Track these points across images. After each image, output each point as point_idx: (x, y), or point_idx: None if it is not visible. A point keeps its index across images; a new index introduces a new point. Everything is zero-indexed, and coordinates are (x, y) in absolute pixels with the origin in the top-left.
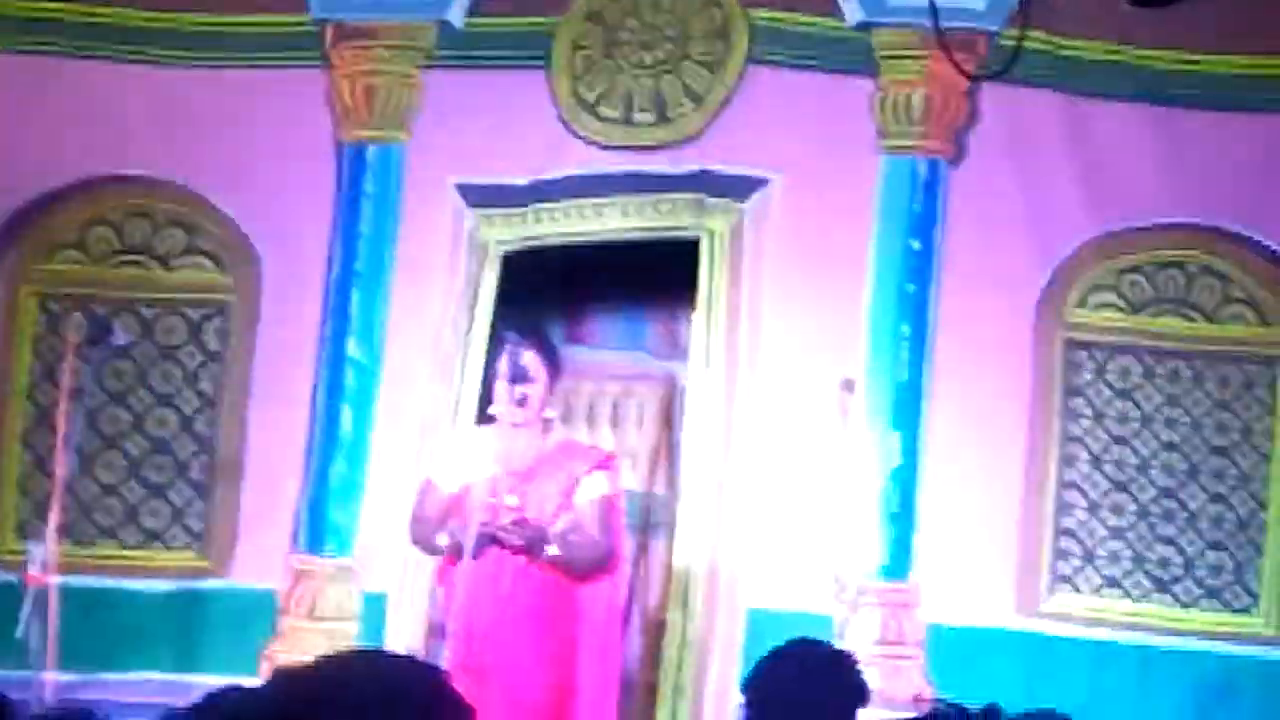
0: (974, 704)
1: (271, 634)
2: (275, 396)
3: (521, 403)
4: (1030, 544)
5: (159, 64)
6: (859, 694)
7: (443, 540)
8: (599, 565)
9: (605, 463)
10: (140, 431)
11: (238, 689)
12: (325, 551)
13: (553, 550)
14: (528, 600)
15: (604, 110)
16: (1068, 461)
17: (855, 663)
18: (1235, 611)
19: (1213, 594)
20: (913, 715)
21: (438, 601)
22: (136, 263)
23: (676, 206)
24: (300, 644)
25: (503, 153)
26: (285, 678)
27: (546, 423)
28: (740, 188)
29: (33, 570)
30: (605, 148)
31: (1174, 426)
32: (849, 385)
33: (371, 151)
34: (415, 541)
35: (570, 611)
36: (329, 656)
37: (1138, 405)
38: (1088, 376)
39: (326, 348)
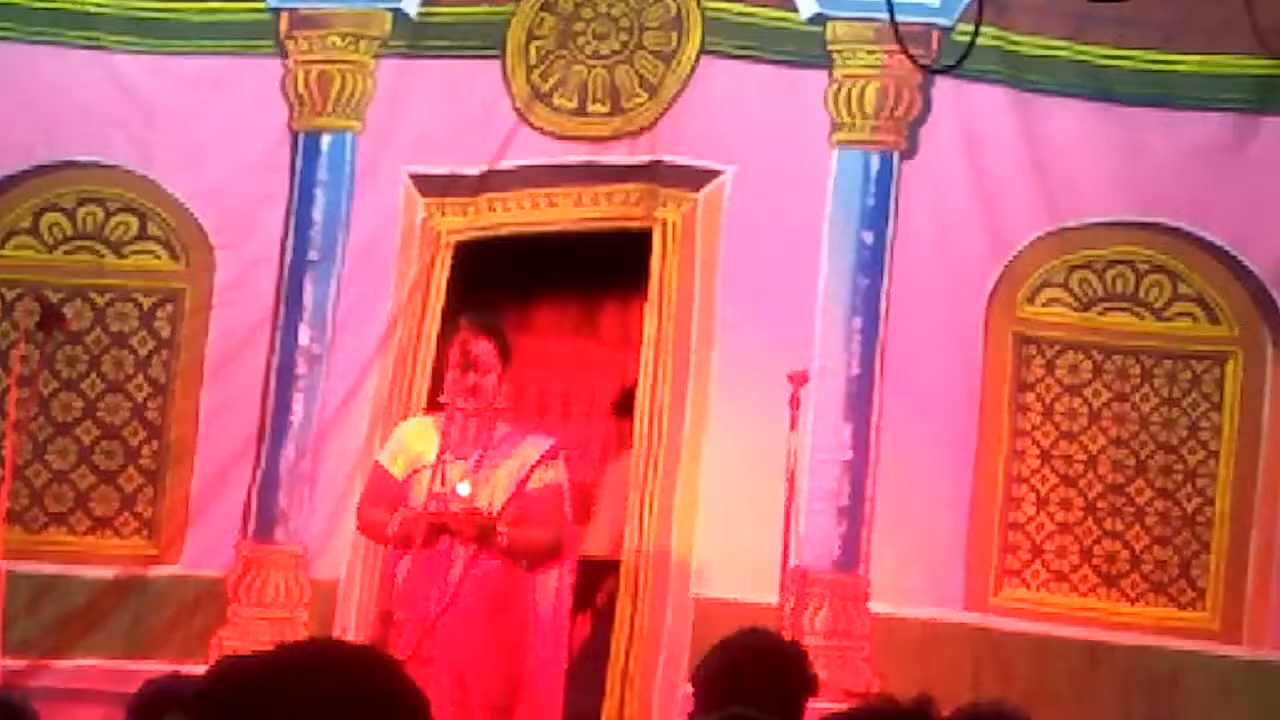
0: (907, 697)
1: (220, 622)
2: (226, 384)
3: (473, 391)
4: (979, 538)
5: (112, 50)
6: (808, 684)
7: (392, 529)
8: (548, 555)
9: (554, 452)
10: (91, 418)
11: (178, 678)
12: (274, 539)
13: (502, 539)
14: (477, 589)
15: (558, 100)
16: (1017, 456)
17: (804, 653)
18: (1181, 607)
19: (1159, 589)
20: (849, 708)
21: (387, 590)
22: (89, 249)
23: (630, 197)
24: (249, 632)
25: (456, 142)
26: (233, 667)
27: (497, 412)
28: (693, 179)
29: None
30: (559, 138)
31: (1122, 423)
32: (800, 377)
33: (325, 140)
34: (364, 529)
35: (519, 600)
36: (281, 646)
37: (1087, 401)
38: (1038, 372)
39: (278, 335)
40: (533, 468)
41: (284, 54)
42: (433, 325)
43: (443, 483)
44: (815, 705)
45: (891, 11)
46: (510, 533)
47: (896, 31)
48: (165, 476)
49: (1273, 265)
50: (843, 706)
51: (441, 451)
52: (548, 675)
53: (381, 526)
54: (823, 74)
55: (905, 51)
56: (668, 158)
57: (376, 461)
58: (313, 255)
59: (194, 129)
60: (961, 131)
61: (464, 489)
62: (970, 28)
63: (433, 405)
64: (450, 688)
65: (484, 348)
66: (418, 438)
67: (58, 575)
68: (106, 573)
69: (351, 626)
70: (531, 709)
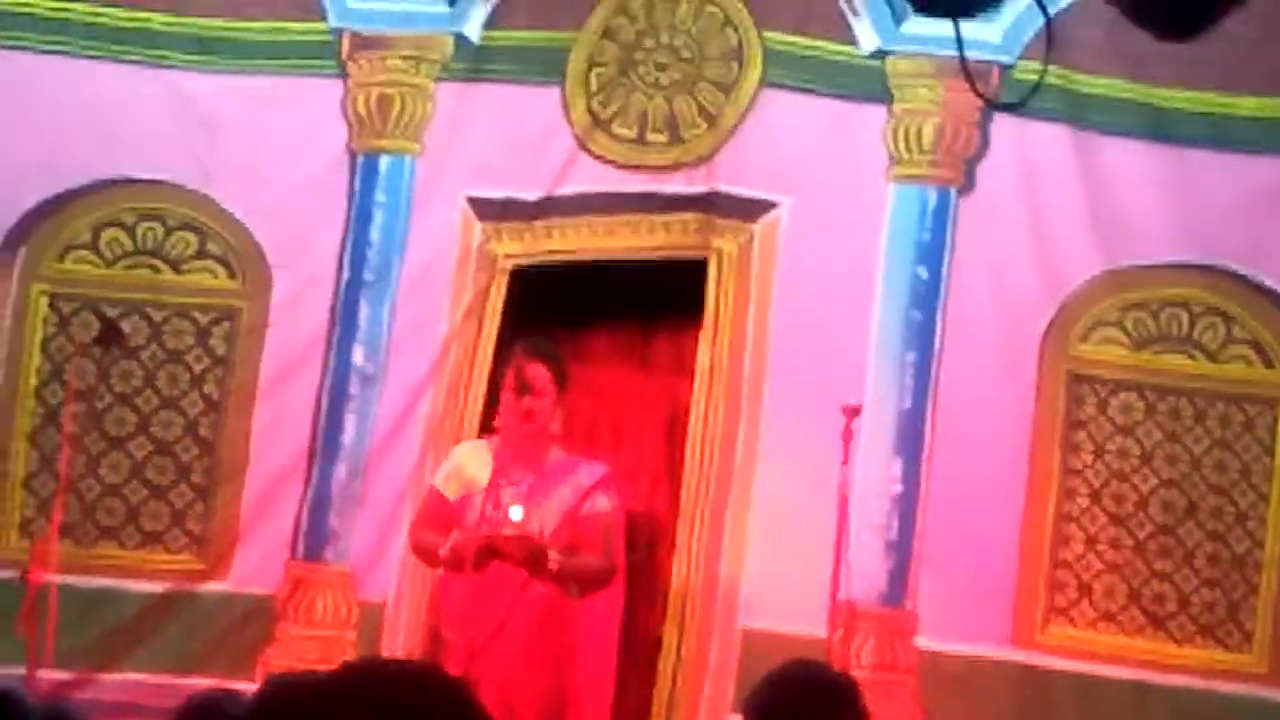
0: None
1: (268, 640)
2: (279, 403)
3: (527, 416)
4: (1027, 575)
5: (177, 67)
6: (856, 715)
7: (444, 551)
8: (599, 581)
9: (607, 480)
10: (145, 433)
11: (221, 694)
12: (324, 559)
13: (553, 565)
14: (527, 614)
15: (617, 128)
16: (1067, 495)
17: (856, 686)
18: (1229, 650)
19: (1206, 631)
20: None
21: (435, 612)
22: (148, 265)
23: (687, 227)
24: (296, 651)
25: (515, 167)
26: (289, 685)
27: (551, 437)
28: (750, 210)
29: (34, 569)
30: (618, 166)
31: (1174, 464)
32: (852, 410)
33: (384, 162)
34: (416, 550)
35: (567, 626)
36: (344, 665)
37: (1138, 441)
38: (1090, 411)
39: (332, 356)
40: (585, 494)
41: (345, 75)
42: (487, 349)
43: (496, 507)
44: None
45: (960, 46)
46: (561, 559)
47: (965, 66)
48: (216, 493)
49: None
50: None
51: (495, 476)
52: (594, 702)
53: (434, 549)
54: (882, 108)
55: (973, 87)
56: (725, 188)
57: (431, 484)
58: (368, 276)
59: (254, 148)
60: (1019, 169)
61: (516, 513)
62: (1032, 65)
63: (486, 429)
64: (497, 712)
65: (539, 372)
66: (472, 461)
67: (108, 589)
68: (156, 588)
69: (399, 648)
70: None
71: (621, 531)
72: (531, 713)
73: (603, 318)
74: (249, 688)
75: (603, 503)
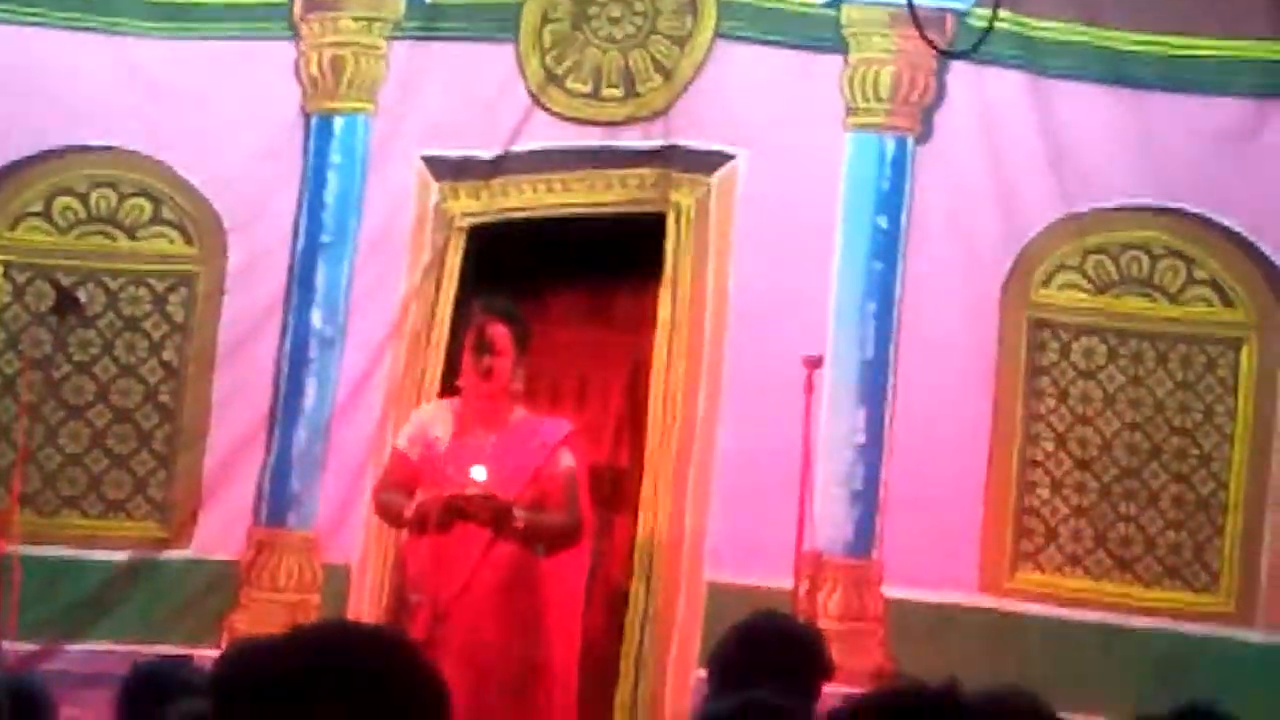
0: (932, 680)
1: (233, 605)
2: (239, 368)
3: (488, 375)
4: (993, 522)
5: (128, 34)
6: (824, 668)
7: (409, 513)
8: (565, 539)
9: (570, 437)
10: (104, 401)
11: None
12: (287, 523)
13: (518, 524)
14: (492, 573)
15: (572, 84)
16: (1031, 440)
17: (820, 637)
18: (1196, 591)
19: (1174, 573)
20: (872, 691)
21: (401, 574)
22: (102, 233)
23: (644, 181)
24: (261, 616)
25: (470, 125)
26: (249, 649)
27: (513, 396)
28: (707, 162)
29: None
30: (573, 121)
31: (1137, 407)
32: (814, 361)
33: (338, 123)
34: (380, 512)
35: (534, 585)
36: (298, 629)
37: (1101, 385)
38: (1052, 356)
39: (291, 319)
40: (549, 452)
41: (297, 37)
42: (446, 309)
43: (459, 467)
44: (830, 689)
45: None
46: (526, 517)
47: (914, 14)
48: (178, 460)
49: None
50: (858, 691)
51: (457, 435)
52: (562, 660)
53: (398, 510)
54: (838, 58)
55: (922, 35)
56: (682, 142)
57: (393, 445)
58: (325, 238)
59: (207, 113)
60: (977, 116)
61: (480, 473)
62: (986, 12)
63: (448, 390)
64: (464, 671)
65: (500, 331)
66: (434, 421)
67: (71, 558)
68: (119, 556)
69: (365, 610)
70: (546, 693)
71: (586, 488)
72: (499, 672)
73: (562, 275)
74: (214, 654)
75: (566, 460)
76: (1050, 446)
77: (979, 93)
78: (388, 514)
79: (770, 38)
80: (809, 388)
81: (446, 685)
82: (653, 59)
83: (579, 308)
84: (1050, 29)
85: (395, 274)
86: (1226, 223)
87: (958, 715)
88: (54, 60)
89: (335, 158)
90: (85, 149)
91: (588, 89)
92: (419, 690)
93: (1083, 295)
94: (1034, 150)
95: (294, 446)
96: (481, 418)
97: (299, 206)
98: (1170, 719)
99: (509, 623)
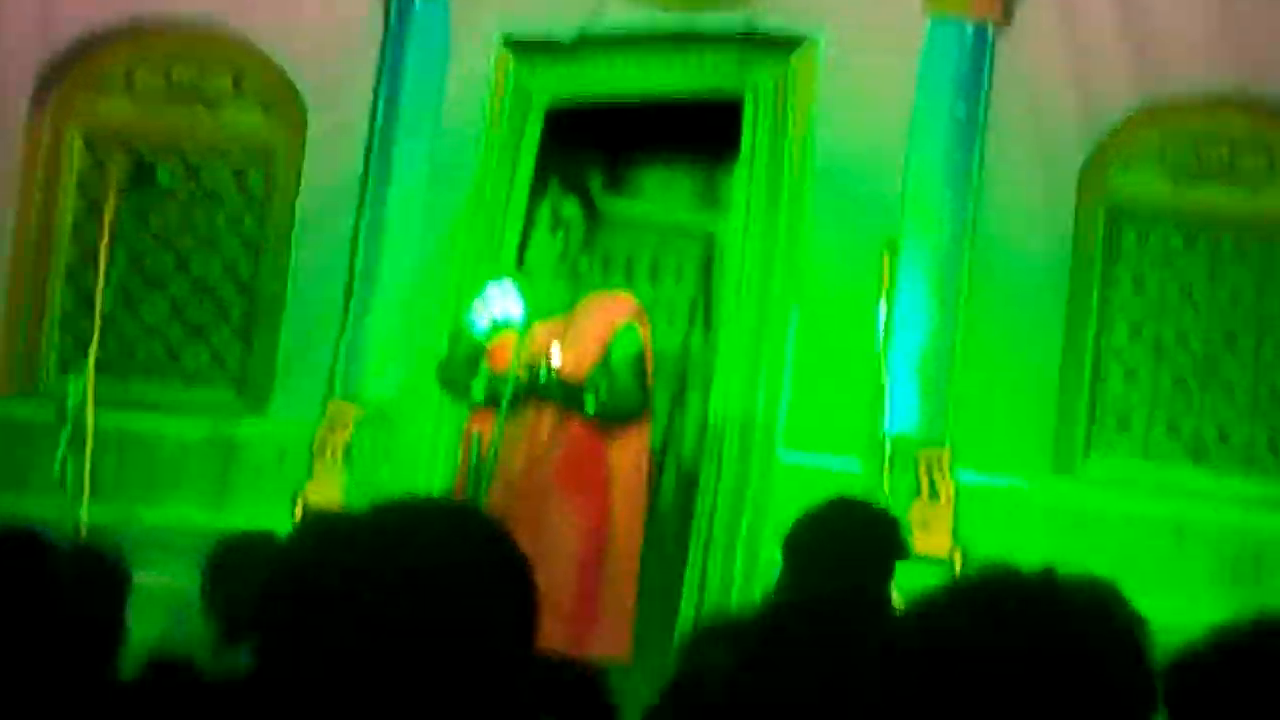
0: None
1: (306, 477)
2: (316, 242)
3: (561, 252)
4: (1066, 409)
5: None
6: (896, 551)
7: (479, 388)
8: (631, 416)
9: (639, 315)
10: (183, 273)
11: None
12: (361, 397)
13: (590, 402)
14: (563, 451)
15: None
16: (1106, 329)
17: (895, 521)
18: (1269, 481)
19: (1247, 464)
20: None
21: (469, 450)
22: (183, 106)
23: (722, 61)
24: (334, 488)
25: (550, 5)
26: (326, 525)
27: (584, 273)
28: (786, 44)
29: (71, 404)
30: (653, 3)
31: (1213, 297)
32: (890, 246)
33: (419, 1)
34: (447, 388)
35: (601, 461)
36: (380, 506)
37: (1178, 275)
38: (1129, 246)
39: (368, 195)
40: (618, 329)
41: None
42: (522, 186)
43: (531, 344)
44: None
45: None
46: (596, 395)
47: None
48: (255, 333)
49: None
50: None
51: (528, 312)
52: (627, 537)
53: (465, 385)
54: None
55: None
56: (761, 23)
57: (465, 321)
58: (404, 115)
59: None
60: (1056, 1)
61: (553, 351)
62: None
63: (521, 265)
64: (532, 550)
65: (571, 208)
66: (505, 298)
67: (146, 427)
68: (195, 426)
69: (434, 487)
70: (612, 570)
71: (649, 365)
72: (572, 550)
73: (638, 154)
74: (287, 526)
75: (636, 337)
76: (1125, 336)
77: None
78: (454, 388)
79: None
80: (885, 271)
81: (528, 562)
82: None
83: (655, 185)
84: None
85: (472, 150)
86: None
87: (1054, 605)
88: None
89: (415, 35)
90: (168, 21)
91: None
92: (502, 566)
93: (1161, 184)
94: (1114, 35)
95: (369, 321)
96: (553, 294)
97: (378, 83)
98: (1250, 633)
99: (577, 500)
